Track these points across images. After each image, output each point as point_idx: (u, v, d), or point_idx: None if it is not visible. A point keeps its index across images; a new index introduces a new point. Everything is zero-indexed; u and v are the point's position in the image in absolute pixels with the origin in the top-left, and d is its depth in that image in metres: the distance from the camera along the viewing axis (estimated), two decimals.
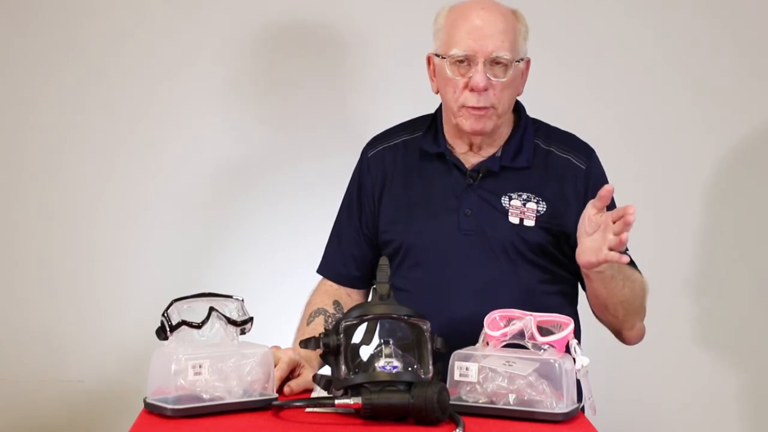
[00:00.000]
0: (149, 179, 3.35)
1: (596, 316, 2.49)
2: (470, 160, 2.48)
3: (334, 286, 2.59)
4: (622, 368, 3.13)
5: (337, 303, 2.55)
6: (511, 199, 2.45)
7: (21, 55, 3.32)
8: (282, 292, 3.13)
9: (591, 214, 2.21)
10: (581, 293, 2.54)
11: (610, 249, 2.17)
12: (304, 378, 2.24)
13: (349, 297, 2.58)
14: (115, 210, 3.35)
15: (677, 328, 3.34)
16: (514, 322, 2.13)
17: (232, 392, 2.04)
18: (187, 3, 3.35)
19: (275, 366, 2.14)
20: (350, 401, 1.98)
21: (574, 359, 2.09)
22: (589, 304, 2.49)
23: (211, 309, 2.09)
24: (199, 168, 3.35)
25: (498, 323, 2.14)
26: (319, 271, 2.63)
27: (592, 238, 2.21)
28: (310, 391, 2.21)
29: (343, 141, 3.26)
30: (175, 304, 2.08)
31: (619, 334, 2.51)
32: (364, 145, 2.61)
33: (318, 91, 3.34)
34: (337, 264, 2.60)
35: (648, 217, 3.28)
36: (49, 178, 3.35)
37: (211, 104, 3.35)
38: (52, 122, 3.34)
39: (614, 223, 2.16)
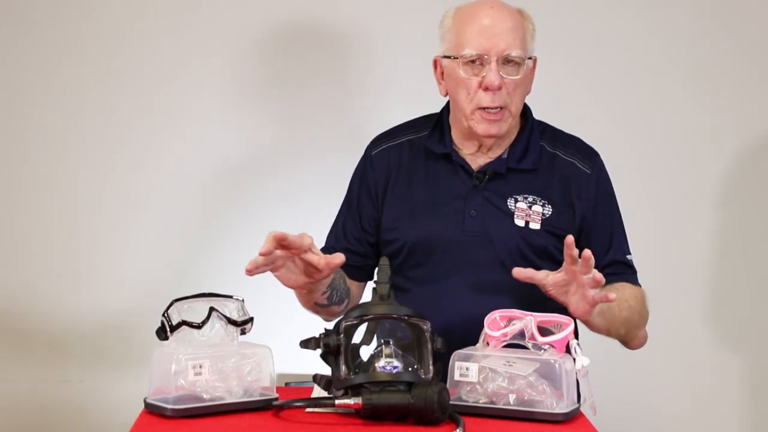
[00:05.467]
0: (149, 179, 3.35)
1: None
2: (477, 161, 2.47)
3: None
4: (621, 368, 3.12)
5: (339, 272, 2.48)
6: (516, 201, 2.44)
7: (21, 55, 3.32)
8: (282, 292, 3.11)
9: (558, 279, 2.20)
10: None
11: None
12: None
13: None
14: (115, 210, 3.34)
15: (678, 328, 3.34)
16: (514, 322, 2.13)
17: (232, 392, 2.04)
18: (188, 3, 3.35)
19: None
20: (350, 401, 1.98)
21: (574, 359, 2.09)
22: None
23: (212, 309, 2.09)
24: (199, 168, 3.35)
25: (498, 323, 2.14)
26: None
27: (572, 292, 2.20)
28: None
29: (343, 141, 3.26)
30: (176, 304, 2.08)
31: (622, 344, 2.49)
32: (364, 144, 2.61)
33: (319, 91, 3.34)
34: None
35: (649, 217, 3.30)
36: (49, 178, 3.34)
37: (211, 104, 3.35)
38: (52, 122, 3.34)
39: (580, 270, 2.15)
